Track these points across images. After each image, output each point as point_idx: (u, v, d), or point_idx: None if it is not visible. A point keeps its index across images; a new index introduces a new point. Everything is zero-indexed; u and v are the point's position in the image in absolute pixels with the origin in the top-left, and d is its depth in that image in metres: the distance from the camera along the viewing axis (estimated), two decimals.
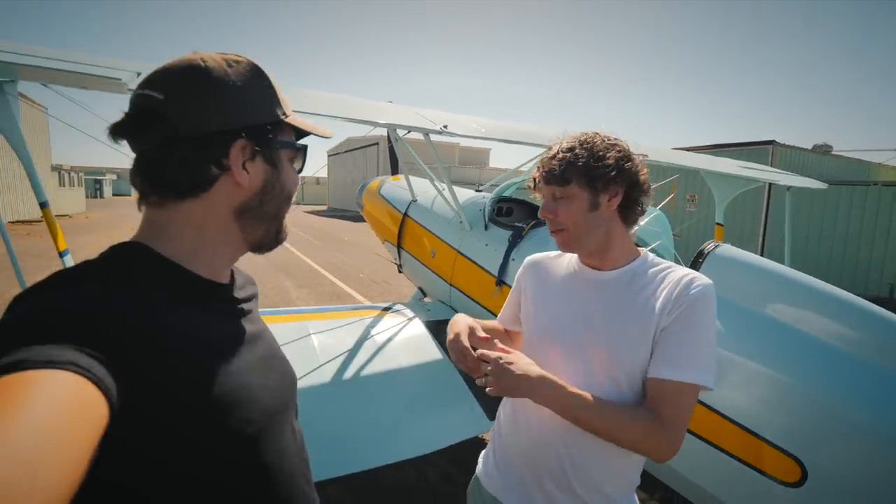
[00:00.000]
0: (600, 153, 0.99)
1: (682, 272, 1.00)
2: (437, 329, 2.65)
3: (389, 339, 2.52)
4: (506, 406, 1.17)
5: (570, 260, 1.14)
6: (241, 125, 0.61)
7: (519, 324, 1.22)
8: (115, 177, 46.20)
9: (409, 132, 2.76)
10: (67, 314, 0.46)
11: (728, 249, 1.85)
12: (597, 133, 1.03)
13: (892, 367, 1.43)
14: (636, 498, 1.08)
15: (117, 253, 0.58)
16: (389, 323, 2.69)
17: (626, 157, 1.01)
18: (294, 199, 0.71)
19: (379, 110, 2.59)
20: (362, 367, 2.25)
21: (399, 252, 3.95)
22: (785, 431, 1.49)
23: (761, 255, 1.86)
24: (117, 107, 0.63)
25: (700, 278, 0.98)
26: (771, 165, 8.80)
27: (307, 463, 0.71)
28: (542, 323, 1.10)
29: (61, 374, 0.40)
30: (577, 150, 1.00)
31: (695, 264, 1.84)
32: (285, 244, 0.81)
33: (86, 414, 0.40)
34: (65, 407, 0.38)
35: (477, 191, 3.79)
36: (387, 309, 2.91)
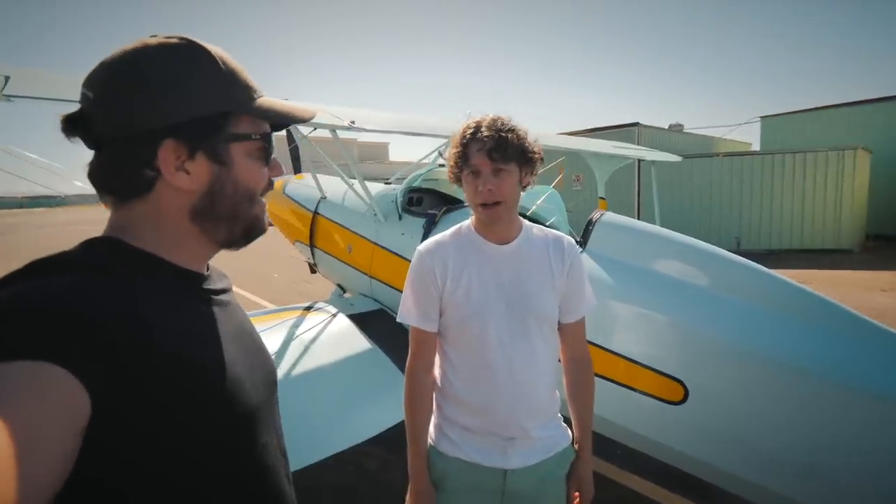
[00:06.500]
0: (525, 136, 1.13)
1: (552, 233, 1.23)
2: (363, 321, 2.70)
3: (316, 337, 2.52)
4: (459, 375, 1.18)
5: (466, 240, 1.18)
6: (171, 123, 0.54)
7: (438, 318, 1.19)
8: None
9: (314, 129, 2.74)
10: (48, 303, 0.43)
11: (610, 216, 2.16)
12: (510, 118, 1.14)
13: (742, 298, 1.80)
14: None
15: (92, 245, 0.55)
16: (313, 321, 2.67)
17: (536, 142, 1.17)
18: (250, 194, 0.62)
19: None
20: (291, 368, 2.23)
21: (312, 251, 3.88)
22: (670, 360, 1.81)
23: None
24: None
25: (564, 235, 1.24)
26: (637, 144, 10.04)
27: (286, 458, 0.69)
28: (477, 299, 1.14)
29: (43, 366, 0.38)
30: (511, 131, 1.10)
31: (586, 231, 2.14)
32: None
33: (67, 408, 0.38)
34: (45, 401, 0.36)
35: (386, 183, 3.86)
36: (308, 308, 2.88)
